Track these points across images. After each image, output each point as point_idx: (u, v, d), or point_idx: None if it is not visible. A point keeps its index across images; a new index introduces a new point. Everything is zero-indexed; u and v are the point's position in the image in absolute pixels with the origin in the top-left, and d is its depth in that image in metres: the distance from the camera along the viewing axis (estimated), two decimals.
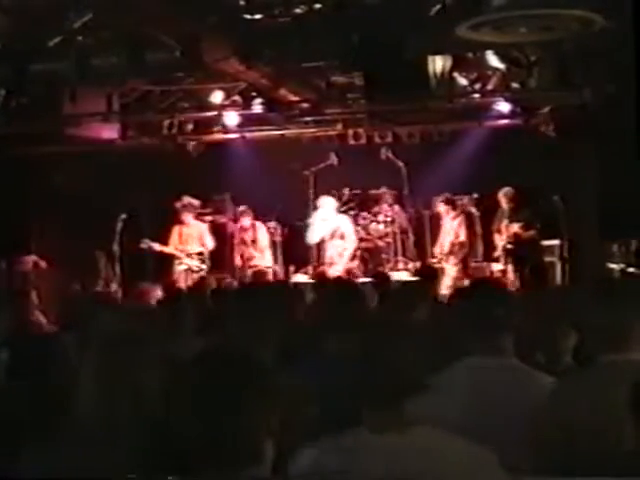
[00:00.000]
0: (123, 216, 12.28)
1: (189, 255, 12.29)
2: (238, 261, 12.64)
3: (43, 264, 12.14)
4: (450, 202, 12.14)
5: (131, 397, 2.95)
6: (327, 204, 12.51)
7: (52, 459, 2.90)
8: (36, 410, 3.42)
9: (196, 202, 13.11)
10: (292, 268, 12.93)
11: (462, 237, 12.05)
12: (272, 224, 13.05)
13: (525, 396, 3.22)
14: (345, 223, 12.51)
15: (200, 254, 12.33)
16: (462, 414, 3.27)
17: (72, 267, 11.62)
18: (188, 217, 12.52)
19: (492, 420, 3.23)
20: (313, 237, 12.59)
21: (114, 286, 11.52)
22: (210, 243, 12.52)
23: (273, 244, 12.98)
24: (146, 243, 12.12)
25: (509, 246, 11.55)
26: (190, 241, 12.40)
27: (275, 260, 12.91)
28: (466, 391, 3.34)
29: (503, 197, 11.62)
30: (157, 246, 12.26)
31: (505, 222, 11.59)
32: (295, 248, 13.07)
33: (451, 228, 12.10)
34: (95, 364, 3.05)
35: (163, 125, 13.09)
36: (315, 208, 12.88)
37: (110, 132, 12.33)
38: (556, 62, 10.11)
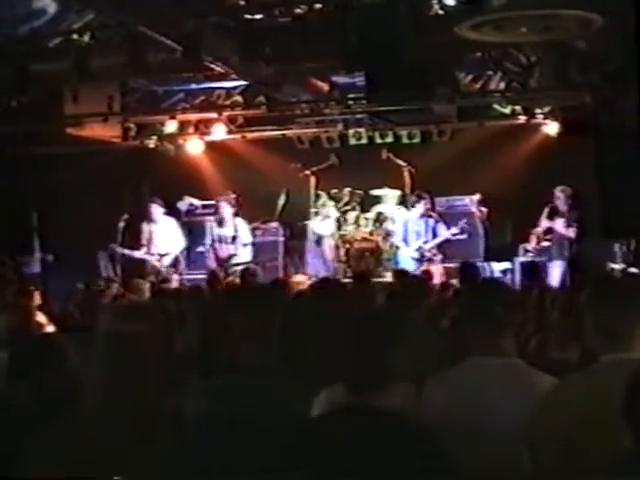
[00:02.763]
0: (125, 216, 12.28)
1: (158, 258, 12.14)
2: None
3: (46, 262, 12.17)
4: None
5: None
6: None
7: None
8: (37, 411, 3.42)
9: (197, 202, 13.16)
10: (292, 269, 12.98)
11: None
12: (274, 224, 13.09)
13: (526, 395, 3.22)
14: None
15: (169, 255, 12.19)
16: (463, 412, 3.29)
17: (73, 267, 11.61)
18: (157, 214, 12.34)
19: (492, 420, 3.24)
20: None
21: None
22: (181, 241, 12.40)
23: (275, 244, 13.00)
24: (112, 249, 12.05)
25: (546, 242, 11.53)
26: (159, 239, 12.25)
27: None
28: (467, 389, 3.35)
29: (561, 193, 11.54)
30: (126, 251, 12.12)
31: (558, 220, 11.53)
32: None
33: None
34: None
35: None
36: (316, 207, 12.96)
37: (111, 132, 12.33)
38: (556, 62, 10.10)
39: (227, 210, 12.28)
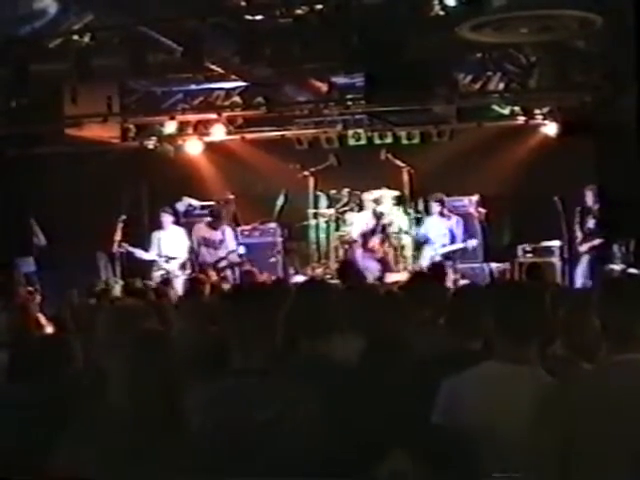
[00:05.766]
0: (123, 217, 12.28)
1: (167, 261, 12.20)
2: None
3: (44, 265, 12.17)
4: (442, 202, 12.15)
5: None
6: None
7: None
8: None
9: (196, 203, 13.15)
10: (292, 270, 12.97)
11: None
12: (272, 225, 13.09)
13: (529, 396, 3.21)
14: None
15: (178, 259, 12.24)
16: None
17: (73, 268, 11.61)
18: (167, 222, 12.50)
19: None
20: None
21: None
22: (186, 248, 12.43)
23: (273, 245, 12.99)
24: (124, 247, 12.10)
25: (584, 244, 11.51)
26: (169, 246, 12.34)
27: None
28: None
29: (589, 192, 11.48)
30: (139, 252, 12.22)
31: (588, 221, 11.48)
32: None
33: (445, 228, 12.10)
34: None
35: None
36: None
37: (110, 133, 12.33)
38: (556, 62, 10.11)
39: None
